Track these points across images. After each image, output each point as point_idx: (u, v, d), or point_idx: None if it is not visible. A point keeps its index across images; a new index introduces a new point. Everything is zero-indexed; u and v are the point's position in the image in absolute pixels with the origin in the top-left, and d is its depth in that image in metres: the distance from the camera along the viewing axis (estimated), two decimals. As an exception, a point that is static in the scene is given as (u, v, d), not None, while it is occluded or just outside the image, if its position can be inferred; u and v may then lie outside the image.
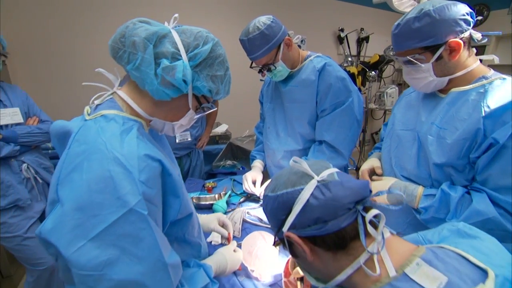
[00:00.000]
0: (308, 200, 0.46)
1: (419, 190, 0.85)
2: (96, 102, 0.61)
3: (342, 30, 4.02)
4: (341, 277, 0.47)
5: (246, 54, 1.15)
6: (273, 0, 3.38)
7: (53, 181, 0.54)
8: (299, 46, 1.26)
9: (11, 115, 1.30)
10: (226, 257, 0.83)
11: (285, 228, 0.48)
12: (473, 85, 0.79)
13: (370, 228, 0.44)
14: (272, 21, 1.06)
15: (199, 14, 2.91)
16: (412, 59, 0.81)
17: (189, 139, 1.89)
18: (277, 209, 0.50)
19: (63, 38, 2.42)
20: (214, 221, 0.95)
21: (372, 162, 1.05)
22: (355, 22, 4.09)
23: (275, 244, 0.56)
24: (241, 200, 1.37)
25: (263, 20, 1.06)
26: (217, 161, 2.09)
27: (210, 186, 1.51)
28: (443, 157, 0.80)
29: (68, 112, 2.30)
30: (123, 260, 0.48)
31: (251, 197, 1.38)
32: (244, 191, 1.39)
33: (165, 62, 0.56)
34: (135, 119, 0.60)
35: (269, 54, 1.09)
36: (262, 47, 1.07)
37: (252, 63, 1.17)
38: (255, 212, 1.25)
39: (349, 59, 4.09)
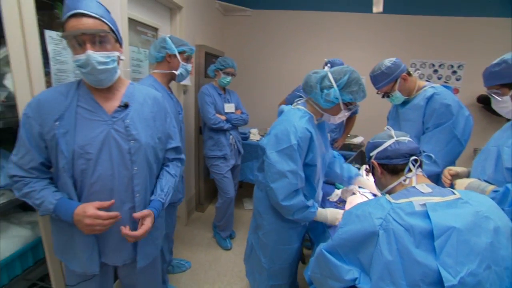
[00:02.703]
0: (387, 146, 1.00)
1: (490, 187, 1.11)
2: (298, 103, 1.36)
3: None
4: (391, 186, 0.98)
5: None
6: (434, 31, 3.55)
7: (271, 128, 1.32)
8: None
9: (230, 107, 2.36)
10: (327, 211, 1.38)
11: (372, 158, 1.03)
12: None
13: (410, 166, 0.94)
14: (392, 64, 1.56)
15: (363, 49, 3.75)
16: (491, 93, 1.14)
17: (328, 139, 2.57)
18: (371, 148, 1.05)
19: (261, 61, 3.87)
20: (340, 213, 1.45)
21: (461, 168, 1.34)
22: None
23: (367, 170, 1.12)
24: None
25: (386, 62, 1.58)
26: (347, 162, 2.64)
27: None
28: None
29: (258, 108, 3.57)
30: (282, 162, 1.20)
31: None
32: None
33: (325, 91, 1.23)
34: (310, 113, 1.31)
35: (387, 86, 1.60)
36: (381, 82, 1.60)
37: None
38: (363, 191, 1.75)
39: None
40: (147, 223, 0.99)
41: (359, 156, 2.89)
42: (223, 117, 2.28)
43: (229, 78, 2.29)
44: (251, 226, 1.61)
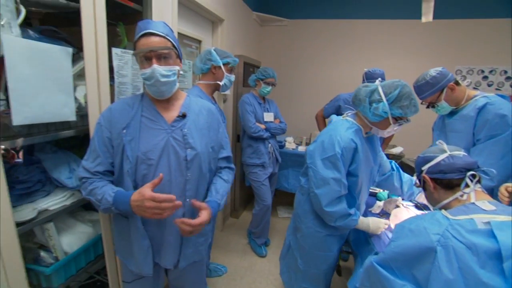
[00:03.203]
0: (439, 161, 0.98)
1: None
2: (348, 114, 1.39)
3: None
4: (445, 201, 0.95)
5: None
6: (482, 35, 3.34)
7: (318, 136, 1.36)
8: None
9: (269, 116, 2.41)
10: (369, 220, 1.38)
11: (424, 172, 1.01)
12: None
13: (468, 181, 0.91)
14: (438, 73, 1.51)
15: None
16: None
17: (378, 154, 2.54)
18: (422, 162, 1.04)
19: (300, 69, 3.82)
20: (382, 222, 1.43)
21: None
22: None
23: (415, 184, 1.10)
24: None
25: (431, 72, 1.53)
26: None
27: (376, 183, 2.06)
28: None
29: (293, 117, 3.57)
30: (326, 169, 1.24)
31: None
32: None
33: (374, 105, 1.23)
34: (358, 125, 1.33)
35: (432, 96, 1.55)
36: (426, 92, 1.55)
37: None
38: (405, 204, 1.71)
39: None
40: (203, 216, 1.01)
41: (400, 165, 2.81)
42: (262, 126, 2.34)
43: (269, 88, 2.35)
44: (290, 227, 1.67)
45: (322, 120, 2.66)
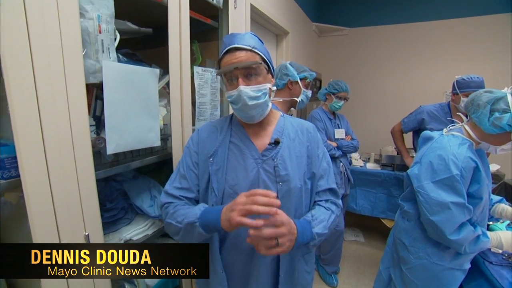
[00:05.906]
0: None
1: None
2: (451, 128, 1.19)
3: None
4: None
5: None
6: None
7: (418, 155, 1.18)
8: None
9: (340, 133, 2.20)
10: (499, 234, 1.17)
11: None
12: None
13: None
14: None
15: None
16: None
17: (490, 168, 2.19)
18: None
19: (371, 80, 3.56)
20: None
21: None
22: None
23: None
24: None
25: None
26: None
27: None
28: None
29: (356, 132, 3.27)
30: (442, 193, 1.04)
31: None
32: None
33: (496, 114, 1.01)
34: (469, 140, 1.11)
35: None
36: None
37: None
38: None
39: None
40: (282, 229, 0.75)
41: (502, 188, 2.35)
42: (334, 144, 2.13)
43: (341, 103, 2.15)
44: (387, 259, 1.47)
45: (399, 135, 2.35)
